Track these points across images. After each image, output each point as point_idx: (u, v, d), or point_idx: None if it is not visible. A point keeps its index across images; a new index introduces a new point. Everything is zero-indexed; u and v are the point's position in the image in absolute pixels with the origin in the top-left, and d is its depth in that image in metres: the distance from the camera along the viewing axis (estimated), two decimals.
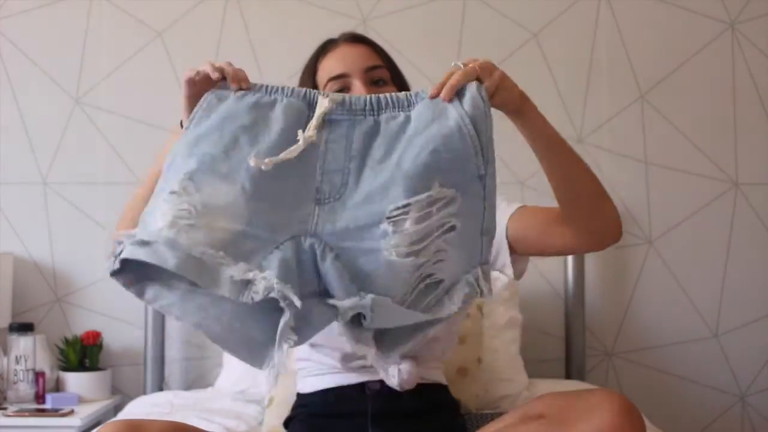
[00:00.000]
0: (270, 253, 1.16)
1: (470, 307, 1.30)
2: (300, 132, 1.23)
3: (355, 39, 1.57)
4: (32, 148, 2.68)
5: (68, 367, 2.49)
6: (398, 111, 1.26)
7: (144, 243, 1.14)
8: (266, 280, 1.13)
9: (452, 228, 1.20)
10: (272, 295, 1.12)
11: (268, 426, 1.95)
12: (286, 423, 1.64)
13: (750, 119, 2.74)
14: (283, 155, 1.20)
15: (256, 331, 1.17)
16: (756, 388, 2.71)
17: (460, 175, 1.22)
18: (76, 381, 2.46)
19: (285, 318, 1.13)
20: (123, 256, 1.15)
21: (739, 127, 2.74)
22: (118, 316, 2.63)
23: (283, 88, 1.28)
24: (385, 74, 1.54)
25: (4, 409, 2.31)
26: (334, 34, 2.69)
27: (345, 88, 1.50)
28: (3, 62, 2.69)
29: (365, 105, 1.26)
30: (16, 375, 2.40)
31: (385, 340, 1.23)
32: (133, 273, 1.18)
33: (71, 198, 2.67)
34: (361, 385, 1.54)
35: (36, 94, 2.69)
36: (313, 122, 1.24)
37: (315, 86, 1.54)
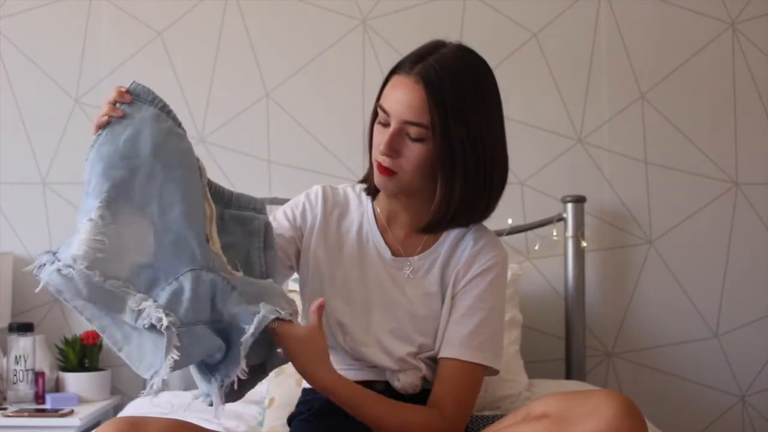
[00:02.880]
0: (169, 284, 1.33)
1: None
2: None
3: (422, 76, 1.48)
4: (32, 148, 2.68)
5: (68, 367, 2.49)
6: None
7: (61, 270, 1.28)
8: (156, 310, 1.29)
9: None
10: (156, 324, 1.28)
11: (268, 426, 1.95)
12: (290, 420, 1.64)
13: (750, 119, 2.74)
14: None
15: (149, 344, 1.31)
16: (756, 388, 2.71)
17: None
18: (75, 381, 2.46)
19: (165, 342, 1.29)
20: (43, 278, 1.30)
21: (739, 127, 2.74)
22: None
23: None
24: (422, 133, 1.49)
25: (4, 409, 2.31)
26: (334, 34, 2.73)
27: (387, 123, 1.52)
28: (3, 62, 2.69)
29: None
30: (15, 375, 2.40)
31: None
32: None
33: (71, 198, 2.67)
34: (366, 384, 1.54)
35: (36, 94, 2.69)
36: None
37: (381, 92, 1.56)
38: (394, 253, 1.62)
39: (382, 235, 1.63)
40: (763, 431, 2.71)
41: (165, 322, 1.27)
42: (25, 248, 2.66)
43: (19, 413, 2.26)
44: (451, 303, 1.59)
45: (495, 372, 1.60)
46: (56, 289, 1.30)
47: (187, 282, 1.33)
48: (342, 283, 1.60)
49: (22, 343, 2.41)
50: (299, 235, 1.64)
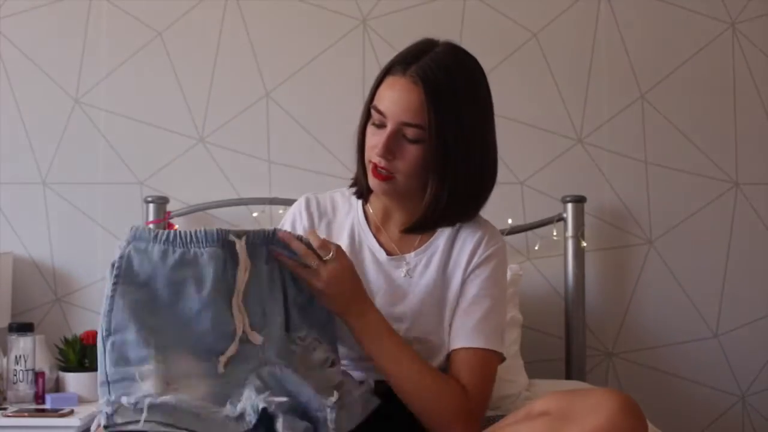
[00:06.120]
0: (243, 388, 1.32)
1: None
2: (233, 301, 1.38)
3: (420, 76, 1.48)
4: (32, 148, 2.68)
5: (68, 367, 2.49)
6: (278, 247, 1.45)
7: (151, 406, 1.23)
8: (250, 399, 1.28)
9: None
10: (262, 406, 1.27)
11: None
12: None
13: (750, 119, 2.74)
14: (230, 351, 1.36)
15: None
16: (756, 388, 2.71)
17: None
18: (75, 381, 2.45)
19: (279, 423, 1.27)
20: (139, 423, 1.23)
21: (739, 127, 2.74)
22: None
23: (196, 236, 1.37)
24: (419, 134, 1.48)
25: (4, 409, 2.30)
26: (334, 34, 2.73)
27: (382, 125, 1.51)
28: (3, 62, 2.69)
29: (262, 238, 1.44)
30: (15, 375, 2.40)
31: None
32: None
33: (71, 198, 2.67)
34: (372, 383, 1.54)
35: (36, 94, 2.69)
36: (242, 274, 1.39)
37: (375, 94, 1.54)
38: (389, 253, 1.61)
39: (375, 237, 1.63)
40: (763, 431, 2.71)
41: (267, 404, 1.27)
42: (25, 248, 2.66)
43: (19, 413, 2.26)
44: (458, 292, 1.58)
45: (502, 359, 1.59)
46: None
47: (256, 382, 1.33)
48: None
49: (22, 343, 2.41)
50: None
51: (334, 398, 1.34)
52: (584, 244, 2.59)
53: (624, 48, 2.73)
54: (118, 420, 1.22)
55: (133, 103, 2.69)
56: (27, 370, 2.40)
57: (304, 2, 2.71)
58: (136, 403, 1.23)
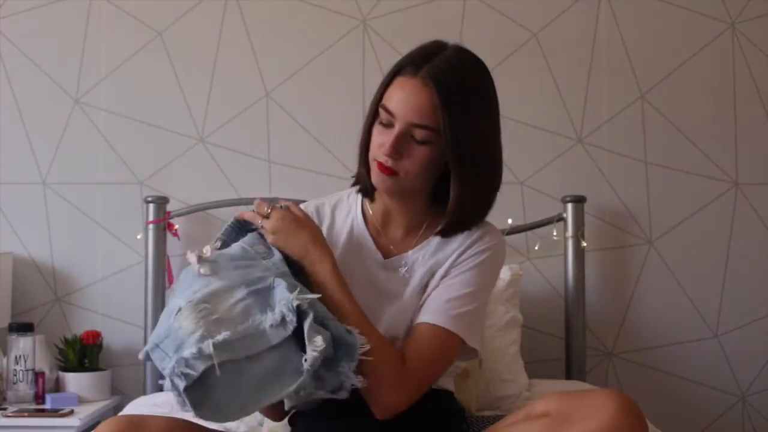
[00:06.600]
0: (273, 290, 1.38)
1: None
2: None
3: (431, 78, 1.47)
4: (32, 148, 2.68)
5: (68, 367, 2.49)
6: None
7: (203, 351, 1.26)
8: (285, 299, 1.33)
9: None
10: (296, 303, 1.32)
11: (268, 426, 1.95)
12: (291, 419, 1.63)
13: (750, 119, 2.74)
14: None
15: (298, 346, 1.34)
16: (756, 388, 2.71)
17: None
18: (75, 381, 2.45)
19: (309, 318, 1.32)
20: (189, 371, 1.26)
21: (739, 127, 2.74)
22: (118, 316, 2.63)
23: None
24: (428, 136, 1.48)
25: (4, 409, 2.31)
26: (334, 34, 2.73)
27: (390, 124, 1.51)
28: (3, 62, 2.69)
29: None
30: (15, 375, 2.40)
31: None
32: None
33: (71, 198, 2.67)
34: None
35: (36, 94, 2.69)
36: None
37: (383, 93, 1.54)
38: (388, 255, 1.61)
39: (374, 239, 1.62)
40: (763, 431, 2.71)
41: (304, 303, 1.32)
42: (25, 248, 2.66)
43: (19, 413, 2.26)
44: (439, 280, 1.56)
45: (474, 355, 1.57)
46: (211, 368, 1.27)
47: (282, 282, 1.38)
48: None
49: (22, 343, 2.41)
50: None
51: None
52: (584, 244, 2.59)
53: (624, 48, 2.73)
54: (194, 372, 1.25)
55: (133, 103, 2.69)
56: (27, 370, 2.41)
57: (304, 2, 2.71)
58: (199, 350, 1.25)
